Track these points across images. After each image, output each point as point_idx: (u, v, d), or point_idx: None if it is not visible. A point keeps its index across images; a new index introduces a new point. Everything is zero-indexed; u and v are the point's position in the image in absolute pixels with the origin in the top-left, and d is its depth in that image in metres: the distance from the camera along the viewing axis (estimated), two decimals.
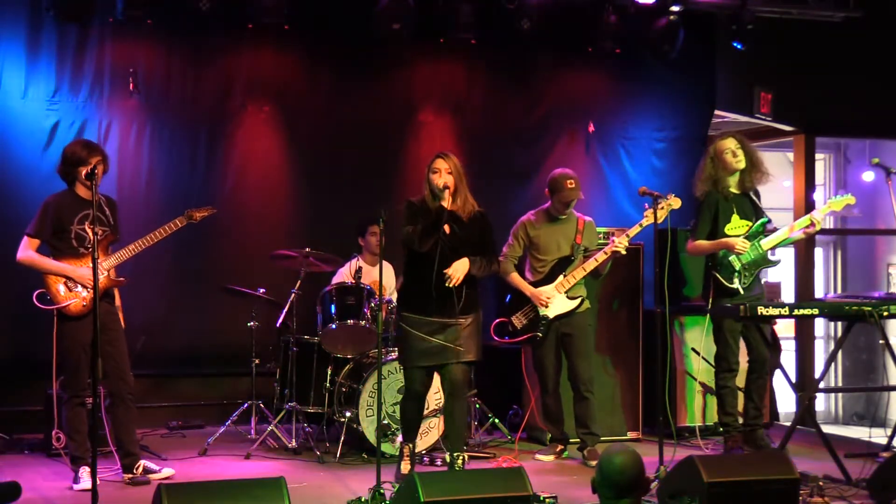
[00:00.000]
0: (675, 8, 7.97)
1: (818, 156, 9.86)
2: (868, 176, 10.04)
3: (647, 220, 6.24)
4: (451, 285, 5.47)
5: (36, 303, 5.63)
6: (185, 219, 5.90)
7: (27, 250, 5.68)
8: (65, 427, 5.85)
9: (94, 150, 5.70)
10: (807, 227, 6.37)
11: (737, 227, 6.41)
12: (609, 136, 8.73)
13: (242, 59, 7.87)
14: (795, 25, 8.62)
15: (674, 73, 8.65)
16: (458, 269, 5.49)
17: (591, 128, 8.62)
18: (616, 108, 8.77)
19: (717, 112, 9.05)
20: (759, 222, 6.38)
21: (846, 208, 6.51)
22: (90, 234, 5.64)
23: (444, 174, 5.59)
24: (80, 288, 5.63)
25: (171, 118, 7.67)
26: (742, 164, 6.42)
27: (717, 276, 6.38)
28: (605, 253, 6.34)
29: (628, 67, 8.62)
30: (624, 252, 6.35)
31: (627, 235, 6.36)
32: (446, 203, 5.57)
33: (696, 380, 7.24)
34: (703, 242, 6.45)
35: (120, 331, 5.80)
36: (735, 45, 8.27)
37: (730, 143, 6.44)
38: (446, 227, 5.50)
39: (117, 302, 5.91)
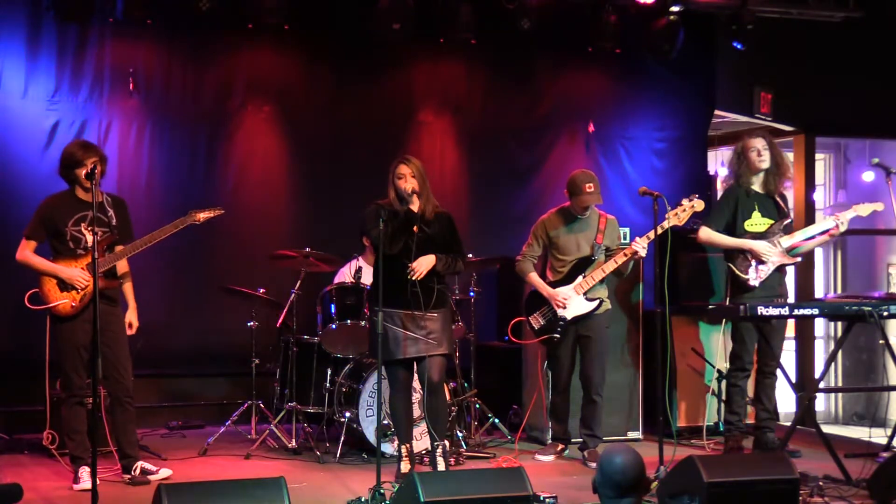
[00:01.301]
0: (675, 8, 7.98)
1: (818, 156, 9.86)
2: (868, 176, 10.03)
3: (670, 221, 6.17)
4: (414, 278, 5.59)
5: (27, 303, 5.64)
6: (188, 219, 5.84)
7: (23, 251, 5.73)
8: (63, 427, 5.84)
9: (90, 151, 5.69)
10: (831, 228, 6.36)
11: (757, 224, 6.40)
12: (609, 136, 8.73)
13: (242, 59, 7.87)
14: (795, 25, 8.62)
15: (674, 73, 8.65)
16: (423, 264, 5.62)
17: (591, 128, 8.63)
18: (616, 108, 8.77)
19: (717, 112, 9.05)
20: (783, 222, 6.38)
21: (872, 215, 6.50)
22: (87, 235, 5.64)
23: (409, 179, 5.69)
24: (71, 289, 5.63)
25: (171, 118, 7.67)
26: (766, 165, 6.41)
27: (734, 268, 6.38)
28: (625, 255, 6.28)
29: (628, 67, 8.63)
30: (644, 254, 6.29)
31: (648, 237, 6.24)
32: (414, 206, 5.68)
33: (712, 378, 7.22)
34: (723, 237, 6.43)
35: (119, 332, 5.78)
36: (735, 45, 8.27)
37: (757, 143, 6.43)
38: (414, 228, 5.63)
39: (132, 303, 5.91)
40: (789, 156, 9.80)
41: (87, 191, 5.65)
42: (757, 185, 6.46)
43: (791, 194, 9.51)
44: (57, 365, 5.80)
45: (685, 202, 6.20)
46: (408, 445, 5.81)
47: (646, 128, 8.85)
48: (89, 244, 5.63)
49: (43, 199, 5.81)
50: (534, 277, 6.45)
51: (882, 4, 8.70)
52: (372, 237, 5.66)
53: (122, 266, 5.84)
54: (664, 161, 8.87)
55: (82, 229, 5.66)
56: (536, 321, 6.44)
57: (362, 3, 7.54)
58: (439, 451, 5.71)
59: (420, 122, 8.28)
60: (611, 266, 6.31)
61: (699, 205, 6.22)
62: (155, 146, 7.62)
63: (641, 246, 6.23)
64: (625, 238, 6.79)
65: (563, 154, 8.50)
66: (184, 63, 7.70)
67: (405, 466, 5.76)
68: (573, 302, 6.34)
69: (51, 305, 5.62)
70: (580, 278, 6.33)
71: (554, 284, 6.39)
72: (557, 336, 6.35)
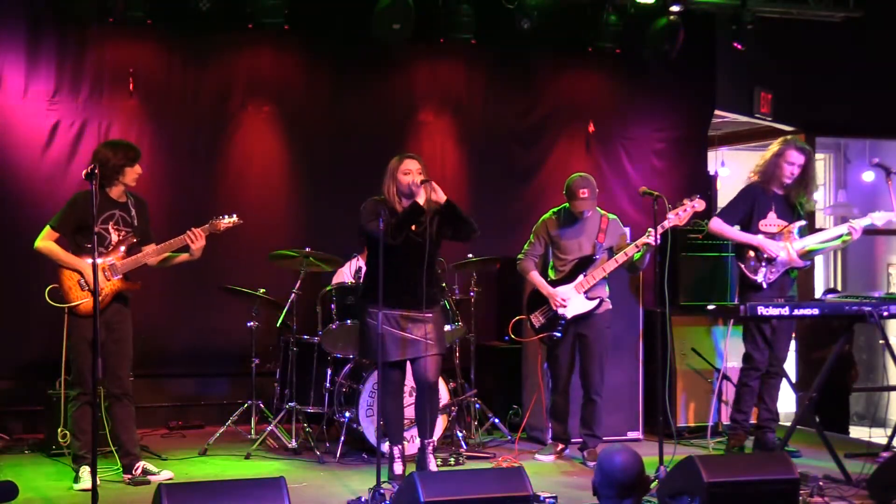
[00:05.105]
0: (675, 8, 7.97)
1: (818, 156, 9.86)
2: (868, 176, 10.04)
3: (671, 221, 6.09)
4: (426, 180, 5.59)
5: (47, 299, 5.64)
6: (209, 229, 5.88)
7: (46, 240, 5.70)
8: (71, 426, 5.83)
9: (130, 151, 5.79)
10: (844, 235, 6.35)
11: (771, 224, 6.40)
12: (609, 136, 8.72)
13: (242, 59, 7.86)
14: (795, 25, 8.62)
15: (674, 73, 8.64)
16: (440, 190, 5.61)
17: (591, 128, 8.62)
18: (616, 108, 8.76)
19: (717, 112, 9.05)
20: (797, 225, 6.38)
21: (887, 223, 6.51)
22: (113, 234, 5.71)
23: (415, 175, 5.66)
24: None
25: (171, 118, 7.66)
26: (791, 182, 6.39)
27: (743, 268, 6.38)
28: (637, 247, 6.25)
29: (628, 67, 8.62)
30: (655, 244, 6.07)
31: (663, 226, 6.08)
32: (420, 199, 5.63)
33: (720, 380, 7.21)
34: (732, 230, 6.43)
35: (127, 332, 5.83)
36: (735, 45, 8.27)
37: (798, 159, 6.35)
38: (412, 227, 5.60)
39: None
40: None
41: (126, 190, 5.78)
42: (778, 188, 6.45)
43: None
44: (68, 362, 5.78)
45: (686, 202, 6.18)
46: (400, 447, 5.82)
47: (646, 128, 8.84)
48: (113, 243, 5.71)
49: (74, 194, 5.84)
50: (535, 276, 6.45)
51: (882, 4, 8.70)
52: (369, 231, 5.59)
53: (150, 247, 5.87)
54: (664, 161, 8.87)
55: (109, 228, 5.71)
56: (537, 319, 6.44)
57: (362, 3, 7.53)
58: (430, 448, 5.71)
59: (420, 122, 8.28)
60: (612, 265, 6.30)
61: (700, 205, 6.20)
62: (155, 146, 7.60)
63: (654, 237, 6.12)
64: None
65: (563, 154, 8.50)
66: (184, 63, 7.69)
67: (398, 467, 5.75)
68: (573, 301, 6.34)
69: (73, 304, 5.62)
70: (581, 277, 6.34)
71: (555, 283, 6.39)
72: (558, 335, 6.35)
